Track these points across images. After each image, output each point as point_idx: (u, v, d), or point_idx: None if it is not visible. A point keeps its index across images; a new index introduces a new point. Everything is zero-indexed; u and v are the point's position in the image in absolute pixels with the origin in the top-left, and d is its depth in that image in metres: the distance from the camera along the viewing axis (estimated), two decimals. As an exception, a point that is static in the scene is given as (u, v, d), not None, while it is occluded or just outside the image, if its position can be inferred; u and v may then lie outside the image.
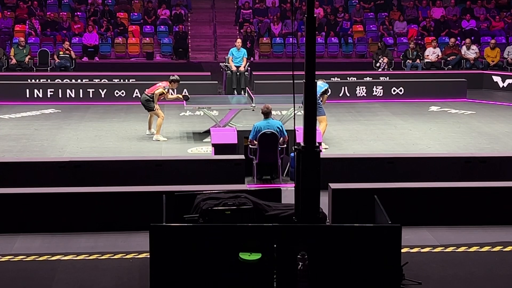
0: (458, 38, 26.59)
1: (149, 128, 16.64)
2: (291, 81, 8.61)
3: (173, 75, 16.54)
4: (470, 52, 25.33)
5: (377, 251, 8.10)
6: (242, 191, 9.45)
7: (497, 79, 23.75)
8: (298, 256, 7.85)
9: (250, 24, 27.77)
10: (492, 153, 14.42)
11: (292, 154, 12.17)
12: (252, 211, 8.87)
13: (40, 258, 9.30)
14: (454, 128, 17.60)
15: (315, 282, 8.00)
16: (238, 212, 8.78)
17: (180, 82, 16.89)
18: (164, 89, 16.19)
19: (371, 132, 17.04)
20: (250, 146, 13.03)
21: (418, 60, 24.80)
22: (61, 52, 24.52)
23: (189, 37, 28.01)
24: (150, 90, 16.33)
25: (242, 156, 12.64)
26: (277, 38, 27.51)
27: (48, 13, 27.94)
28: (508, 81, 23.51)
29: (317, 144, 8.56)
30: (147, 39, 27.35)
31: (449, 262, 9.25)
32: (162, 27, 27.97)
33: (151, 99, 16.16)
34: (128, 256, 9.37)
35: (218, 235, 8.12)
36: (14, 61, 24.32)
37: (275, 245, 8.03)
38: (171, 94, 16.56)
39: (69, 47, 24.76)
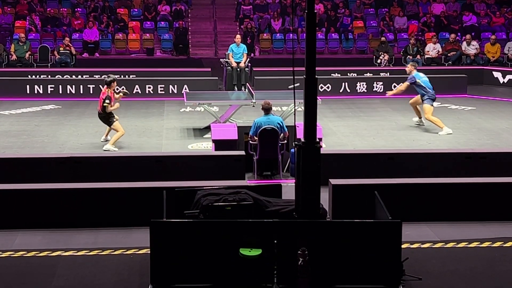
0: (459, 34, 26.58)
1: (106, 135, 15.34)
2: (292, 77, 8.61)
3: (108, 76, 15.01)
4: (471, 48, 25.31)
5: (378, 247, 8.11)
6: (243, 187, 9.44)
7: (497, 75, 23.73)
8: (299, 252, 7.86)
9: (251, 20, 27.76)
10: (493, 149, 14.40)
11: (292, 150, 12.16)
12: (252, 207, 8.87)
13: (41, 254, 9.31)
14: (454, 124, 17.57)
15: (315, 278, 8.01)
16: (238, 208, 8.78)
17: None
18: (106, 98, 14.68)
19: (372, 128, 17.03)
20: (250, 142, 13.02)
21: (418, 56, 24.77)
22: (61, 48, 24.51)
23: (190, 33, 28.00)
24: (99, 106, 14.94)
25: (242, 152, 12.62)
26: (278, 34, 27.51)
27: (48, 9, 27.94)
28: (508, 77, 23.47)
29: (317, 140, 8.57)
30: (148, 35, 27.35)
31: (449, 257, 9.24)
32: (162, 23, 27.96)
33: (104, 114, 14.84)
34: (128, 252, 9.37)
35: (219, 231, 8.13)
36: (14, 57, 24.32)
37: (275, 241, 8.04)
38: (115, 94, 15.19)
39: (69, 43, 24.76)
